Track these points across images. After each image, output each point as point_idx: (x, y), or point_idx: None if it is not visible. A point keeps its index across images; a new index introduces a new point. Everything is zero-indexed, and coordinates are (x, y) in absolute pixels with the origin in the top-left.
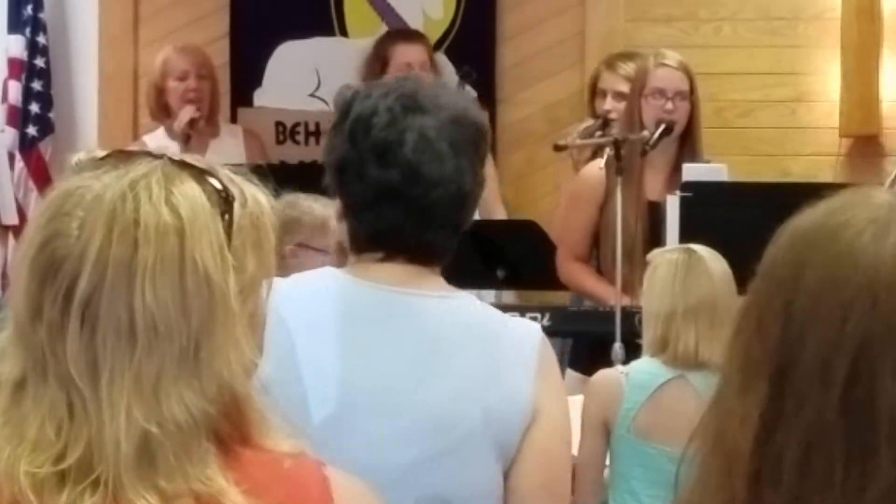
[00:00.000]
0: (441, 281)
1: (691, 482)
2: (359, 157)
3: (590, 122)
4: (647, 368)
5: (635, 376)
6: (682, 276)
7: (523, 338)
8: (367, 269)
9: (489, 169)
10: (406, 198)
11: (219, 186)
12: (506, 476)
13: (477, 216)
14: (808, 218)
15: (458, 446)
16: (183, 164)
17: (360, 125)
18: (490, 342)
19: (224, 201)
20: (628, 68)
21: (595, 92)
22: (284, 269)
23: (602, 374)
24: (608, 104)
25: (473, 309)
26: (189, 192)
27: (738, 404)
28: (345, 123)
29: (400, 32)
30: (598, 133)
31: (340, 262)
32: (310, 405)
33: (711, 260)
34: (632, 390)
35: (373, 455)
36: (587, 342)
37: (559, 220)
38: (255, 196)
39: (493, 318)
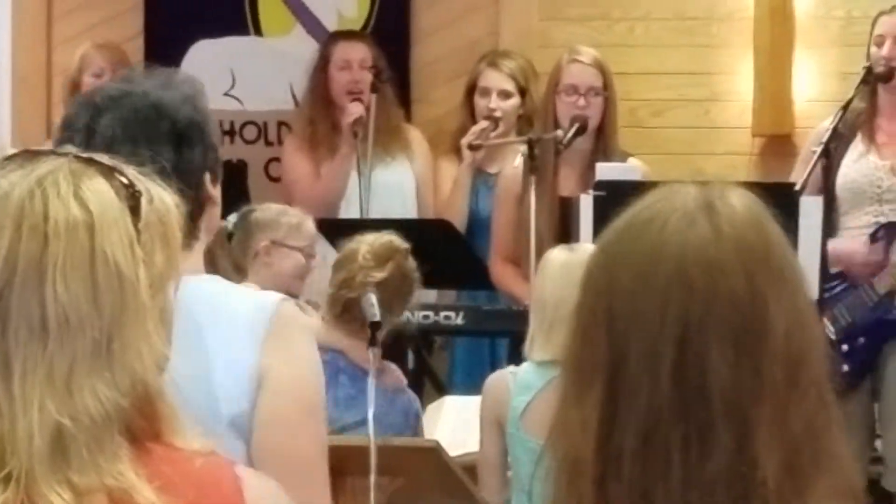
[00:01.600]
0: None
1: (546, 494)
2: None
3: (485, 123)
4: (533, 368)
5: (523, 376)
6: (567, 274)
7: (254, 309)
8: None
9: (427, 168)
10: None
11: (126, 182)
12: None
13: (416, 216)
14: (618, 220)
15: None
16: (90, 161)
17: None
18: (222, 320)
19: (132, 197)
20: (511, 66)
21: (475, 90)
22: (258, 268)
23: (493, 376)
24: (493, 102)
25: (212, 288)
26: (97, 187)
27: (576, 412)
28: None
29: (343, 32)
30: (493, 133)
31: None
32: None
33: None
34: (519, 390)
35: None
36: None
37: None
38: (160, 194)
39: (228, 295)
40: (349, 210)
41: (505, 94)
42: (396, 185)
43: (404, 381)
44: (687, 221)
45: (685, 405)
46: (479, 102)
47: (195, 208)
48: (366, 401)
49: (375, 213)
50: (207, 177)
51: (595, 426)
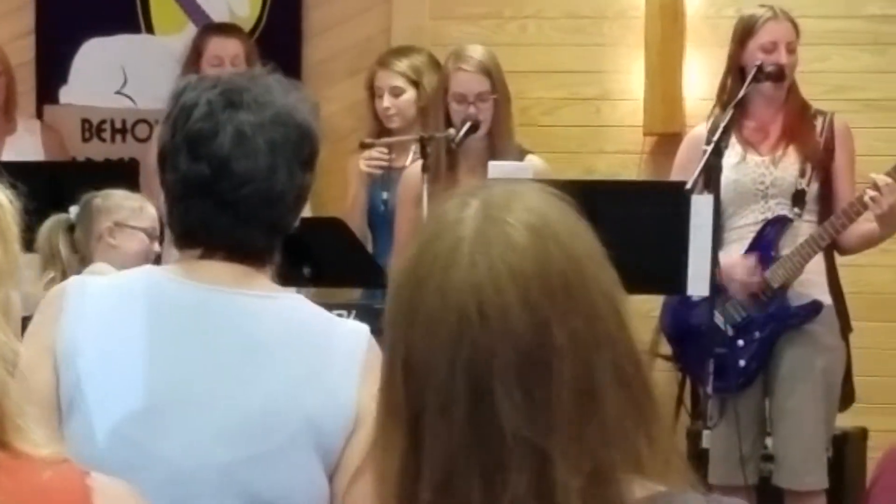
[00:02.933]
0: (267, 281)
1: None
2: (174, 148)
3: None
4: None
5: None
6: None
7: (350, 340)
8: (187, 267)
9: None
10: (214, 192)
11: None
12: (331, 480)
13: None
14: (407, 260)
15: (277, 449)
16: None
17: (181, 116)
18: (315, 344)
19: None
20: (401, 64)
21: (373, 91)
22: (103, 250)
23: None
24: (386, 101)
25: (300, 310)
26: None
27: (381, 461)
28: (171, 114)
29: (218, 26)
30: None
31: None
32: (108, 401)
33: None
34: None
35: (189, 454)
36: None
37: None
38: None
39: (320, 319)
40: None
41: (396, 92)
42: None
43: None
44: (465, 259)
45: (481, 451)
46: (377, 103)
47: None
48: None
49: None
50: None
51: (395, 478)
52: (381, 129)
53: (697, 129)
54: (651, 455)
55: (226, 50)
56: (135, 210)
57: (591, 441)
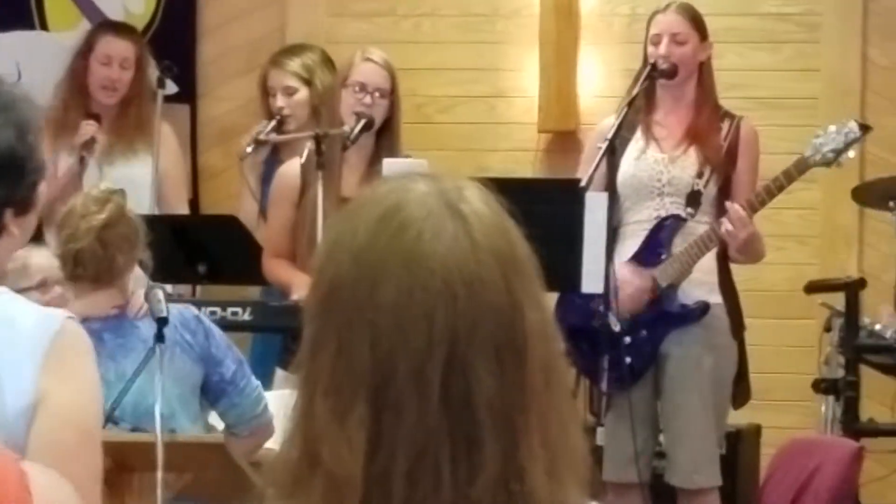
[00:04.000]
0: None
1: None
2: None
3: (263, 123)
4: None
5: None
6: None
7: (37, 327)
8: None
9: (172, 167)
10: None
11: None
12: None
13: (157, 210)
14: (362, 228)
15: None
16: None
17: None
18: (4, 337)
19: None
20: (294, 63)
21: (266, 91)
22: None
23: (282, 373)
24: (279, 101)
25: None
26: None
27: (338, 430)
28: None
29: (114, 25)
30: (272, 134)
31: None
32: None
33: None
34: None
35: None
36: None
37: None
38: None
39: (11, 304)
40: None
41: (289, 91)
42: (135, 181)
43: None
44: (441, 231)
45: (453, 423)
46: (270, 102)
47: None
48: (132, 340)
49: None
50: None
51: (363, 446)
52: (276, 129)
53: (606, 122)
54: (572, 455)
55: (116, 50)
56: (17, 272)
57: (551, 430)
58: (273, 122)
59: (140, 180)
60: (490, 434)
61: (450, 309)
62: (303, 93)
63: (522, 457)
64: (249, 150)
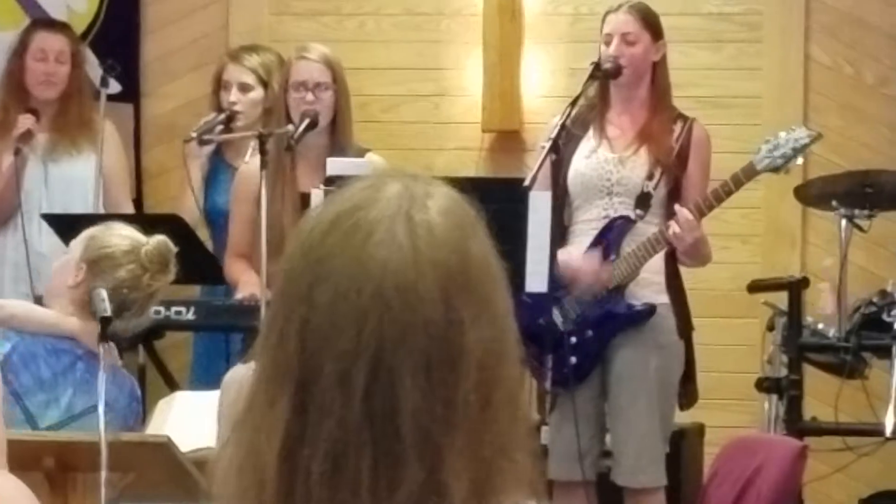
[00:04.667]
0: None
1: (223, 497)
2: None
3: (212, 115)
4: None
5: None
6: None
7: None
8: None
9: (117, 165)
10: None
11: None
12: None
13: (100, 209)
14: (320, 223)
15: None
16: None
17: None
18: None
19: None
20: (253, 60)
21: (220, 84)
22: None
23: (231, 372)
24: (233, 96)
25: None
26: None
27: (264, 419)
28: None
29: (46, 21)
30: (220, 127)
31: None
32: None
33: None
34: None
35: None
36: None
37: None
38: None
39: None
40: (29, 201)
41: (244, 88)
42: (79, 179)
43: (119, 360)
44: (389, 237)
45: (376, 432)
46: (223, 96)
47: None
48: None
49: (57, 207)
50: None
51: (281, 437)
52: (225, 123)
53: (555, 120)
54: (517, 474)
55: (50, 44)
56: None
57: (485, 449)
58: (223, 115)
59: (84, 178)
60: (412, 448)
61: (381, 317)
62: (258, 92)
63: (446, 474)
64: (194, 134)
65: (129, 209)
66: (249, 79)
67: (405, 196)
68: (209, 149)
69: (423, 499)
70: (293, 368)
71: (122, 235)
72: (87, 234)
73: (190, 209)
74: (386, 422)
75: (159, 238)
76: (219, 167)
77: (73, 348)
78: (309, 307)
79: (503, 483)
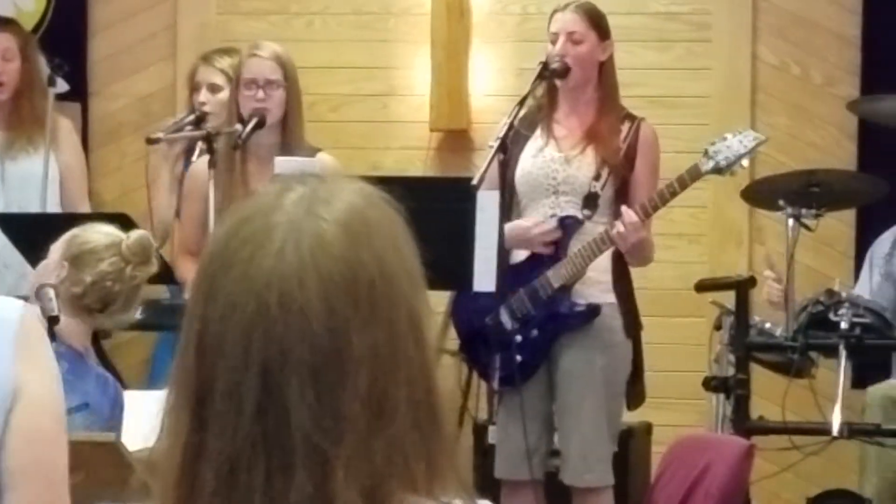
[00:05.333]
0: None
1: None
2: None
3: (181, 115)
4: None
5: None
6: None
7: (3, 312)
8: None
9: (76, 162)
10: None
11: None
12: None
13: (60, 209)
14: (219, 234)
15: None
16: None
17: None
18: None
19: None
20: (224, 62)
21: (193, 86)
22: None
23: None
24: (202, 96)
25: None
26: None
27: (169, 429)
28: None
29: None
30: (189, 127)
31: None
32: None
33: None
34: None
35: None
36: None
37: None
38: None
39: None
40: None
41: (214, 89)
42: (36, 177)
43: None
44: (277, 248)
45: (267, 445)
46: (194, 97)
47: None
48: (83, 385)
49: (14, 206)
50: None
51: (181, 449)
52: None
53: (504, 120)
54: (431, 478)
55: None
56: None
57: (375, 457)
58: (192, 116)
59: (36, 177)
60: (301, 461)
61: (266, 332)
62: (227, 93)
63: (335, 485)
64: (160, 135)
65: (87, 207)
66: (219, 80)
67: (303, 203)
68: (180, 149)
69: None
70: (192, 382)
71: (102, 232)
72: (66, 235)
73: (163, 209)
74: (277, 436)
75: (140, 232)
76: (187, 167)
77: (56, 347)
78: (203, 321)
79: (402, 486)
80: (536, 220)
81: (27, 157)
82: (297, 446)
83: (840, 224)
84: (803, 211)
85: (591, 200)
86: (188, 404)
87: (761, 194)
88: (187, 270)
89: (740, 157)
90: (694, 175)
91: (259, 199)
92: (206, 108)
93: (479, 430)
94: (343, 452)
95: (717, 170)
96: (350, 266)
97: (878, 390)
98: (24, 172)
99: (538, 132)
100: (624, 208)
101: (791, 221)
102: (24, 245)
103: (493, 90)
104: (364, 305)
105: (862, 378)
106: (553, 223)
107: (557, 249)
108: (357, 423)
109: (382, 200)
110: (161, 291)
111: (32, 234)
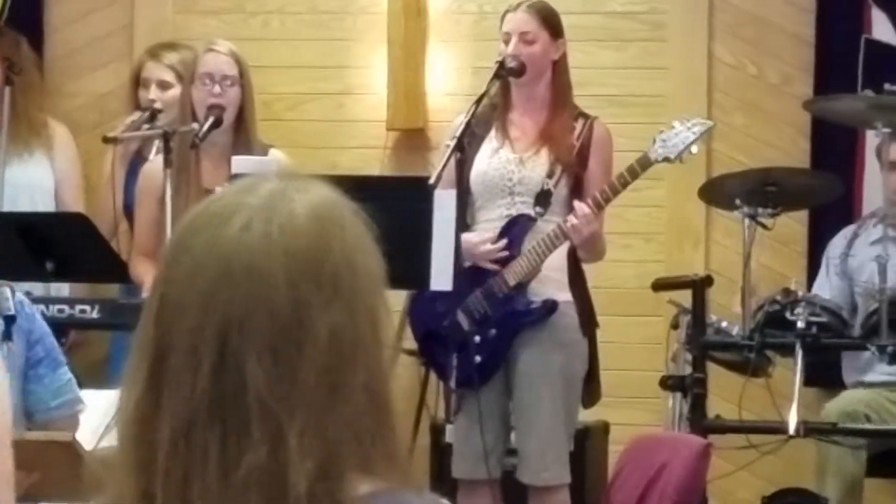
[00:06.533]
0: None
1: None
2: None
3: (137, 114)
4: None
5: None
6: None
7: None
8: None
9: (70, 167)
10: None
11: None
12: None
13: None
14: (192, 210)
15: None
16: None
17: None
18: None
19: None
20: (172, 58)
21: (139, 82)
22: None
23: None
24: (152, 94)
25: None
26: None
27: (122, 395)
28: None
29: None
30: (146, 125)
31: None
32: None
33: None
34: None
35: None
36: None
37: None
38: None
39: None
40: None
41: (163, 85)
42: (31, 183)
43: None
44: (244, 222)
45: (223, 407)
46: (142, 94)
47: None
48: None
49: (8, 210)
50: None
51: (133, 412)
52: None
53: (459, 119)
54: (380, 461)
55: None
56: None
57: (327, 432)
58: (146, 114)
59: (37, 181)
60: (257, 424)
61: (228, 296)
62: (177, 89)
63: (288, 453)
64: (117, 134)
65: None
66: (168, 76)
67: (277, 191)
68: (134, 144)
69: (268, 474)
70: (151, 340)
71: None
72: None
73: (113, 208)
74: (233, 398)
75: None
76: (136, 165)
77: None
78: (166, 283)
79: (353, 467)
80: (484, 236)
81: (21, 164)
82: (252, 409)
83: (796, 223)
84: (759, 210)
85: (543, 198)
86: (146, 361)
87: (718, 193)
88: (144, 272)
89: (689, 143)
90: (644, 164)
91: (234, 184)
92: (157, 106)
93: (437, 430)
94: (297, 422)
95: (667, 158)
96: (318, 249)
97: (835, 405)
98: (17, 178)
99: (493, 132)
100: (576, 201)
101: (747, 221)
102: None
103: (449, 89)
104: (327, 288)
105: (815, 377)
106: (501, 244)
107: (511, 248)
108: (312, 396)
109: (351, 204)
110: (116, 291)
111: None
